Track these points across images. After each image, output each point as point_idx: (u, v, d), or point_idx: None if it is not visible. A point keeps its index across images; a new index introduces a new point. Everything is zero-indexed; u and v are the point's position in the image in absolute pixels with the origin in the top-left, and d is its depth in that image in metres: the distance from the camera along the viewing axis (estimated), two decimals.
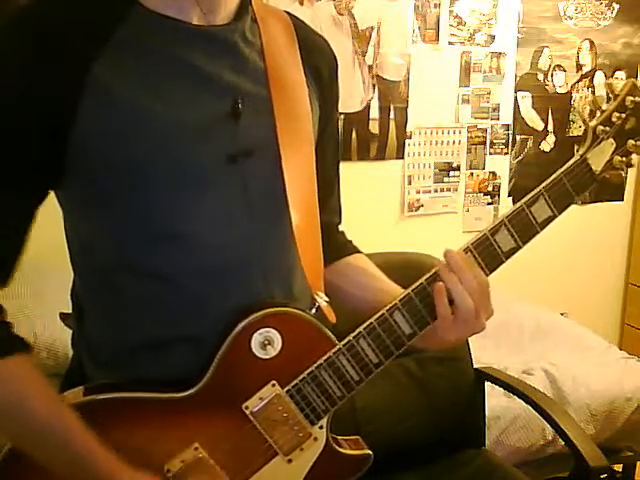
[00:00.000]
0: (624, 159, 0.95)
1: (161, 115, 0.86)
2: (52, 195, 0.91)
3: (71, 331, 1.03)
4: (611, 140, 0.94)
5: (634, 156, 0.96)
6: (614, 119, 0.94)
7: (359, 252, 1.16)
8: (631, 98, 0.93)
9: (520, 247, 0.96)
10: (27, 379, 0.85)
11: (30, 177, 0.84)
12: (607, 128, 0.94)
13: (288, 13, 1.05)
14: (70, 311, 1.01)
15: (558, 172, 0.95)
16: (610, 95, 0.96)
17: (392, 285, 1.07)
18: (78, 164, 0.85)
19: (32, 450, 0.86)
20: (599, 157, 0.95)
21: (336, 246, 1.10)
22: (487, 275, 0.96)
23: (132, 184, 0.86)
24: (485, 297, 0.94)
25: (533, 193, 0.95)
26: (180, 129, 0.87)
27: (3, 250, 0.86)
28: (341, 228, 1.18)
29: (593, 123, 0.95)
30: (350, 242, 1.17)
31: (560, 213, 0.96)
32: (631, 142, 0.94)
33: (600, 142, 0.95)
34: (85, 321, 0.97)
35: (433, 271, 0.95)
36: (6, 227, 0.85)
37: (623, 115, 0.94)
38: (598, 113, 0.96)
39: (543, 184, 0.95)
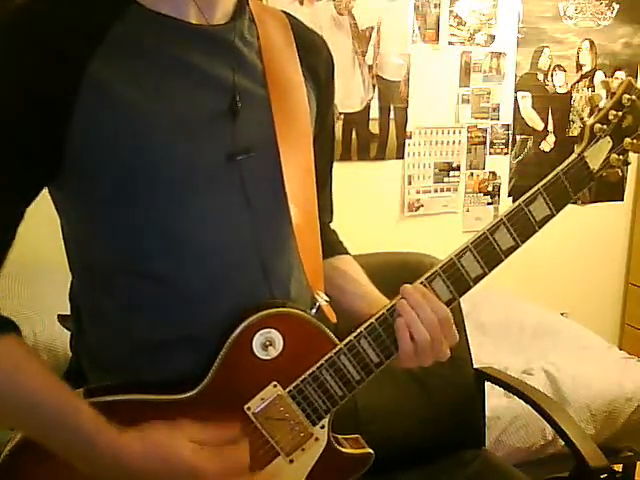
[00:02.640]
0: (621, 157, 0.95)
1: (159, 114, 0.85)
2: None
3: (69, 333, 1.03)
4: (608, 138, 0.94)
5: (631, 154, 0.96)
6: (611, 117, 0.94)
7: (347, 254, 1.16)
8: (627, 96, 0.93)
9: (519, 245, 0.96)
10: (22, 358, 0.84)
11: (26, 176, 0.84)
12: (604, 126, 0.94)
13: (285, 12, 1.05)
14: (68, 313, 1.01)
15: (556, 171, 0.95)
16: (607, 93, 0.96)
17: (372, 291, 1.07)
18: (76, 164, 0.84)
19: (29, 429, 0.85)
20: (596, 155, 0.95)
21: (325, 245, 1.10)
22: (487, 273, 0.97)
23: (130, 184, 0.86)
24: (446, 329, 0.95)
25: (531, 192, 0.95)
26: (179, 128, 0.86)
27: None
28: (333, 227, 1.18)
29: (590, 121, 0.95)
30: (340, 243, 1.17)
31: (558, 212, 0.96)
32: (628, 140, 0.94)
33: (597, 140, 0.95)
34: (83, 323, 0.97)
35: (431, 272, 0.95)
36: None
37: (620, 113, 0.94)
38: (595, 111, 0.96)
39: (541, 183, 0.95)
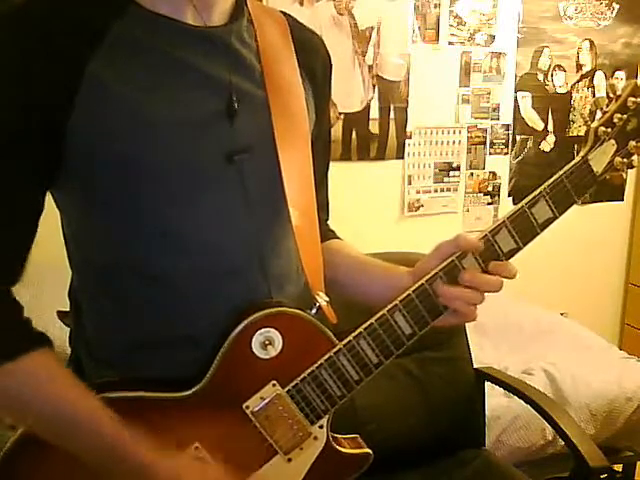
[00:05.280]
0: (625, 160, 0.95)
1: (158, 114, 0.86)
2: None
3: (69, 329, 1.03)
4: (612, 141, 0.94)
5: (635, 157, 0.96)
6: (616, 120, 0.93)
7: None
8: (633, 99, 0.93)
9: (520, 248, 0.96)
10: (56, 371, 0.87)
11: (29, 175, 0.84)
12: (608, 129, 0.94)
13: (283, 13, 1.05)
14: (68, 309, 1.01)
15: (559, 173, 0.95)
16: (611, 96, 0.95)
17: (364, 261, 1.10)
18: (75, 162, 0.84)
19: (61, 440, 0.86)
20: (600, 158, 0.94)
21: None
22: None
23: (129, 183, 0.86)
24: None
25: (534, 194, 0.95)
26: (178, 128, 0.87)
27: (13, 248, 0.86)
28: (331, 226, 1.18)
29: (595, 124, 0.95)
30: (332, 232, 1.17)
31: (560, 214, 0.96)
32: (632, 143, 0.94)
33: (602, 143, 0.94)
34: (83, 320, 0.97)
35: (433, 272, 0.95)
36: (13, 225, 0.85)
37: (625, 116, 0.93)
38: (599, 114, 0.95)
39: (544, 185, 0.95)
